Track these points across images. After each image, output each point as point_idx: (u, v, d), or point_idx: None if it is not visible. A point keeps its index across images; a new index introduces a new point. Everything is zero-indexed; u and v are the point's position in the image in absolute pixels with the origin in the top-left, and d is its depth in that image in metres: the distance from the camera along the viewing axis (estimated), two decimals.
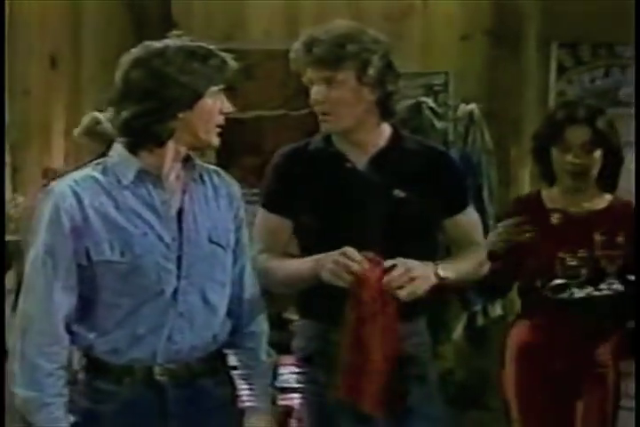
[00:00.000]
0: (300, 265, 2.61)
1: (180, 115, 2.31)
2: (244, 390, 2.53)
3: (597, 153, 3.17)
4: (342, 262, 2.45)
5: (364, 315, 2.47)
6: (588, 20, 4.81)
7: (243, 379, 2.53)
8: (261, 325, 2.56)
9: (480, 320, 4.77)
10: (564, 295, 3.15)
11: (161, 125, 2.31)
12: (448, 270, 2.59)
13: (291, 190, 2.69)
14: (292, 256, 2.72)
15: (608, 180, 3.25)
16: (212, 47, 2.36)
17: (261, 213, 2.72)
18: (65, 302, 2.32)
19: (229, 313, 2.48)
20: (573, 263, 3.14)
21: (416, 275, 2.48)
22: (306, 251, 2.68)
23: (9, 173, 4.46)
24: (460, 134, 4.78)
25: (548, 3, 4.86)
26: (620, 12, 4.68)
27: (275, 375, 2.71)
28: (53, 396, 2.31)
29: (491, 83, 4.96)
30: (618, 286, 3.15)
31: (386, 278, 2.46)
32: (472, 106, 4.79)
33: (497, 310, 4.72)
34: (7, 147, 4.35)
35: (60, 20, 4.50)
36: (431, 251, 2.71)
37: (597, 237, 3.11)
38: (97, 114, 4.15)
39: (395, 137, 2.70)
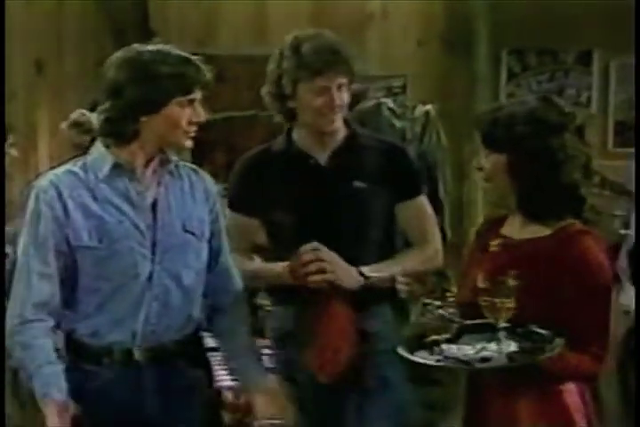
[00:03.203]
0: (269, 271, 2.67)
1: (143, 118, 2.29)
2: (231, 370, 2.53)
3: (491, 159, 2.17)
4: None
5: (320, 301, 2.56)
6: (535, 30, 4.85)
7: (227, 359, 2.51)
8: (244, 308, 2.54)
9: None
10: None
11: (123, 126, 2.29)
12: (373, 271, 2.61)
13: (254, 191, 2.69)
14: (259, 251, 2.76)
15: (523, 202, 2.18)
16: (189, 57, 2.32)
17: (228, 214, 2.72)
18: (44, 288, 2.31)
19: (214, 300, 2.48)
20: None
21: (328, 267, 2.52)
22: (280, 245, 2.69)
23: None
24: (418, 133, 4.79)
25: (498, 13, 4.89)
26: (565, 22, 4.73)
27: None
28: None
29: (446, 85, 4.98)
30: (507, 347, 2.06)
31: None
32: (428, 107, 4.80)
33: None
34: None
35: (44, 29, 4.47)
36: (391, 239, 2.74)
37: (480, 281, 2.10)
38: (83, 110, 4.10)
39: (350, 132, 2.71)
